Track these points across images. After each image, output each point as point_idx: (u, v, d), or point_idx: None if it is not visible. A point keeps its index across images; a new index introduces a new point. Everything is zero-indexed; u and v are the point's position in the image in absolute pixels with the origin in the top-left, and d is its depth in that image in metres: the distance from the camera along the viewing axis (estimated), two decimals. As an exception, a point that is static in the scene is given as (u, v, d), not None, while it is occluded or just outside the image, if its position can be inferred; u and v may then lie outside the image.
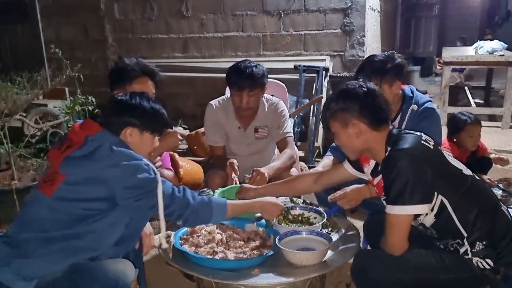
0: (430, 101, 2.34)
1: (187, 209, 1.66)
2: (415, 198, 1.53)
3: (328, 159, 2.43)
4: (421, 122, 2.21)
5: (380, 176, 1.73)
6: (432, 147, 1.64)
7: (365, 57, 4.61)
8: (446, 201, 1.59)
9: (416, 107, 2.27)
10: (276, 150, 2.78)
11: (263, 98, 2.60)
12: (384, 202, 1.65)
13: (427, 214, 1.63)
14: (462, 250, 1.62)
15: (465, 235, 1.60)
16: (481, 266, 1.59)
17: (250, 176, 2.24)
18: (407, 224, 1.59)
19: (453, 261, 1.62)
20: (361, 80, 1.81)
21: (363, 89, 1.67)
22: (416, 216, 1.63)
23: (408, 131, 1.69)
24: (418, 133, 1.68)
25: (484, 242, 1.59)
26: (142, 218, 1.72)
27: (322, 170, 2.14)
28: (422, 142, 1.62)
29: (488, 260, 1.59)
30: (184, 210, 1.66)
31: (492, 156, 3.00)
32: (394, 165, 1.55)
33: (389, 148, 1.64)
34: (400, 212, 1.56)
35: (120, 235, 1.63)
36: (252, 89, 2.42)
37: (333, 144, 2.43)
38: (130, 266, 1.64)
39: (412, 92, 2.33)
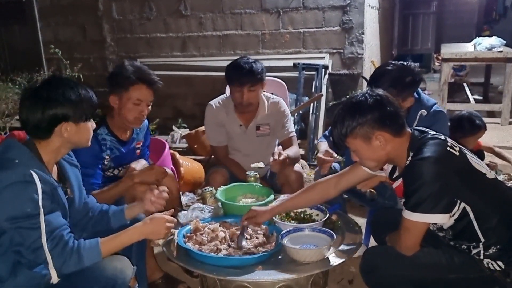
0: (436, 102, 2.32)
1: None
2: (436, 208, 1.50)
3: (324, 145, 2.37)
4: (432, 126, 2.14)
5: (400, 180, 1.70)
6: (457, 153, 1.57)
7: (364, 55, 4.67)
8: (468, 209, 1.55)
9: (425, 112, 2.22)
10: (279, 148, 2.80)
11: (263, 96, 2.61)
12: (402, 206, 1.60)
13: None
14: (474, 251, 1.59)
15: (482, 240, 1.57)
16: (492, 268, 1.56)
17: (273, 160, 2.24)
18: (423, 230, 1.57)
19: (463, 261, 1.60)
20: (367, 88, 1.71)
21: (375, 97, 1.59)
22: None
23: (431, 135, 1.61)
24: (442, 137, 1.60)
25: (498, 246, 1.56)
26: None
27: (340, 174, 1.94)
28: (448, 149, 1.55)
29: (499, 262, 1.56)
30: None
31: None
32: (419, 174, 1.50)
33: (411, 154, 1.58)
34: (418, 219, 1.53)
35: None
36: (253, 84, 2.43)
37: (326, 132, 2.45)
38: (128, 264, 1.62)
39: (418, 95, 2.27)
